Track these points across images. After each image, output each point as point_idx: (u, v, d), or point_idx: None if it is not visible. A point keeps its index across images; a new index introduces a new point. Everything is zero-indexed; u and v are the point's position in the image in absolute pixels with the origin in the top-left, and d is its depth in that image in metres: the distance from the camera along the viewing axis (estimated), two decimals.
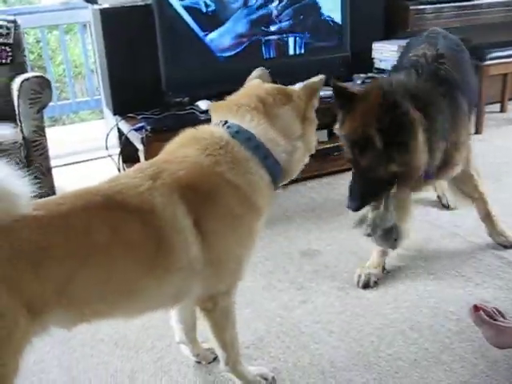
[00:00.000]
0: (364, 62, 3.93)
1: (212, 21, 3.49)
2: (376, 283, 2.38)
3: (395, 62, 2.63)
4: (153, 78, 3.39)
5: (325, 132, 3.66)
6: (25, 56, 3.61)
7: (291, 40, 3.71)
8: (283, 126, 1.64)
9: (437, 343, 2.02)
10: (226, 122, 1.63)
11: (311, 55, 3.75)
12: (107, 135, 3.56)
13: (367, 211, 2.22)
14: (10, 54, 3.51)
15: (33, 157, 3.12)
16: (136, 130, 3.14)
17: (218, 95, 3.35)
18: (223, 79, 3.50)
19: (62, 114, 5.64)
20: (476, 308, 1.91)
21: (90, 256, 1.39)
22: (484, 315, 1.87)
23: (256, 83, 1.76)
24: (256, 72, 1.84)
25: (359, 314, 2.20)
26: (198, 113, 3.28)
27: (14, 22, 3.53)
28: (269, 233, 2.91)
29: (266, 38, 3.63)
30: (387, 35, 4.04)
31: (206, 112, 3.24)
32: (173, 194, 1.47)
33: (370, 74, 3.83)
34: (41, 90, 3.10)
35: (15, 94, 3.15)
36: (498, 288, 2.31)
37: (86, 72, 5.12)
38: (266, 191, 1.65)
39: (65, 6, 4.50)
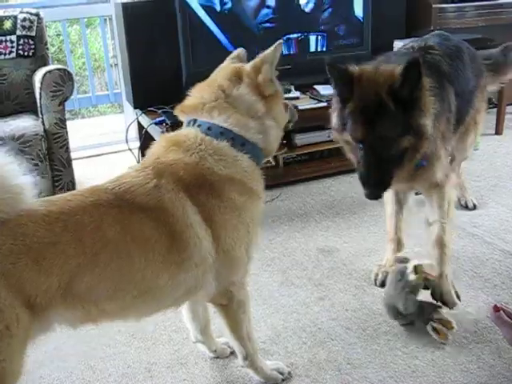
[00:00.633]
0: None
1: (232, 18, 3.49)
2: None
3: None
4: (173, 72, 3.39)
5: None
6: (47, 49, 3.64)
7: (312, 37, 3.70)
8: (245, 107, 1.63)
9: (454, 343, 2.01)
10: (195, 120, 1.64)
11: (331, 53, 3.73)
12: (127, 129, 3.58)
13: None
14: (32, 46, 3.55)
15: (54, 149, 3.14)
16: (156, 123, 3.15)
17: None
18: None
19: (82, 107, 5.68)
20: (496, 308, 1.89)
21: (99, 253, 1.38)
22: (504, 315, 1.85)
23: (223, 65, 1.77)
24: (235, 52, 1.83)
25: (376, 312, 2.20)
26: None
27: (37, 15, 3.56)
28: (286, 229, 2.92)
29: (287, 34, 3.62)
30: (409, 33, 4.01)
31: None
32: (179, 192, 1.50)
33: None
34: (63, 82, 3.12)
35: (37, 86, 3.18)
36: None
37: (105, 66, 5.15)
38: (256, 175, 1.66)
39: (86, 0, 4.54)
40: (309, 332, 2.11)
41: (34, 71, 3.45)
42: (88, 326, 1.53)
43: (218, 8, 3.42)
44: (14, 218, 1.32)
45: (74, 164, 3.30)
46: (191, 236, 1.49)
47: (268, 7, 3.54)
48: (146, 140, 3.36)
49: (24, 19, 3.53)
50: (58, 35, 5.87)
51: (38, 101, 3.18)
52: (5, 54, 3.50)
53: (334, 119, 2.01)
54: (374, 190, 1.97)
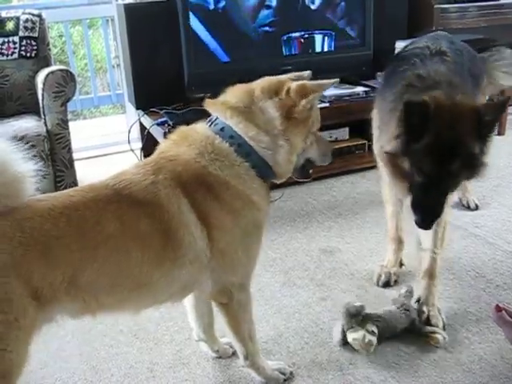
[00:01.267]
0: (387, 61, 3.91)
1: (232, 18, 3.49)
2: (396, 282, 2.38)
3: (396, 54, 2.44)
4: (175, 73, 3.40)
5: (346, 130, 3.66)
6: (49, 50, 3.65)
7: (313, 38, 3.70)
8: (263, 120, 1.61)
9: (456, 344, 2.01)
10: (216, 118, 1.65)
11: (333, 54, 3.74)
12: (129, 129, 3.59)
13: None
14: (34, 47, 3.56)
15: (56, 149, 3.15)
16: (158, 124, 3.16)
17: None
18: (246, 75, 3.53)
19: (84, 108, 5.69)
20: (498, 308, 1.89)
21: (98, 248, 1.41)
22: (506, 315, 1.85)
23: (277, 77, 1.72)
24: (302, 73, 1.75)
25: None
26: None
27: (40, 16, 3.57)
28: (289, 230, 2.92)
29: (290, 35, 3.63)
30: (411, 34, 4.01)
31: None
32: (176, 189, 1.51)
33: None
34: (65, 83, 3.13)
35: (40, 87, 3.19)
36: None
37: (107, 67, 5.16)
38: (258, 187, 1.64)
39: (89, 0, 4.54)
40: (311, 332, 2.11)
41: (36, 72, 3.45)
42: (87, 317, 1.54)
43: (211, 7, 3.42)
44: (22, 211, 1.35)
45: (76, 165, 3.31)
46: (186, 234, 1.51)
47: (268, 7, 3.54)
48: (148, 141, 3.37)
49: (26, 20, 3.54)
50: (61, 36, 5.89)
51: (40, 101, 3.19)
52: (7, 55, 3.51)
53: (393, 143, 1.86)
54: (430, 221, 1.91)
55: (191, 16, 3.33)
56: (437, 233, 2.15)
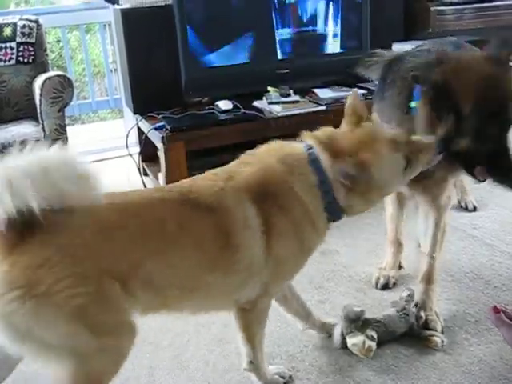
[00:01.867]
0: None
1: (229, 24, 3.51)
2: (395, 284, 2.38)
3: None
4: (173, 78, 3.41)
5: None
6: (46, 55, 3.66)
7: (310, 41, 3.71)
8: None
9: (455, 345, 2.01)
10: (312, 147, 1.66)
11: (329, 56, 3.75)
12: (127, 134, 3.59)
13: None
14: (32, 53, 3.57)
15: None
16: (156, 129, 3.16)
17: (237, 96, 3.43)
18: (243, 79, 3.53)
19: (82, 112, 5.70)
20: (496, 309, 1.89)
21: (160, 244, 1.47)
22: (504, 317, 1.86)
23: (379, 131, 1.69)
24: (350, 99, 1.74)
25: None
26: (217, 112, 3.29)
27: (37, 21, 3.59)
28: None
29: (285, 38, 3.63)
30: (407, 36, 4.03)
31: (225, 112, 3.26)
32: (244, 195, 1.55)
33: None
34: (62, 89, 3.14)
35: (37, 92, 3.20)
36: None
37: (105, 71, 5.17)
38: (323, 218, 1.67)
39: (86, 6, 4.56)
40: (310, 335, 2.11)
41: (33, 78, 3.47)
42: (153, 313, 1.59)
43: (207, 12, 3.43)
44: (94, 206, 1.42)
45: None
46: (246, 239, 1.54)
47: (264, 11, 3.55)
48: (146, 145, 3.38)
49: (24, 26, 3.55)
50: (58, 41, 5.90)
51: (38, 107, 3.20)
52: (5, 61, 3.53)
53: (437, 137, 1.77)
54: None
55: (188, 21, 3.34)
56: (435, 236, 2.15)
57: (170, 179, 3.00)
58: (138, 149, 3.62)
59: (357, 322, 1.99)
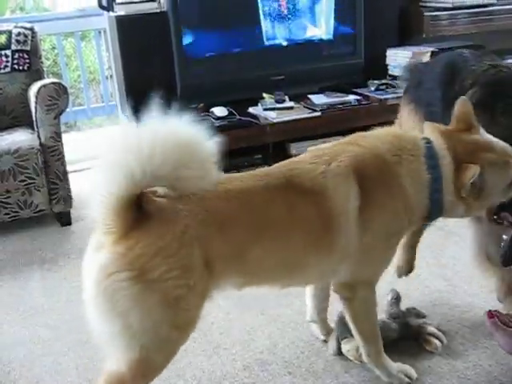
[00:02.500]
0: (378, 69, 3.94)
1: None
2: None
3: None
4: (168, 84, 3.41)
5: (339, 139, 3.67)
6: (41, 63, 3.66)
7: (304, 47, 3.72)
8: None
9: (451, 350, 2.01)
10: (429, 141, 1.66)
11: (324, 62, 3.76)
12: None
13: None
14: (27, 60, 3.57)
15: (50, 162, 3.15)
16: None
17: (233, 102, 3.44)
18: (238, 86, 3.54)
19: (77, 119, 5.69)
20: (490, 315, 1.90)
21: (265, 230, 1.52)
22: (499, 322, 1.86)
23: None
24: (459, 105, 1.72)
25: None
26: (212, 119, 3.30)
27: (31, 29, 3.59)
28: None
29: (280, 44, 3.65)
30: (401, 42, 4.05)
31: (220, 118, 3.27)
32: (349, 175, 1.57)
33: (383, 81, 3.84)
34: (58, 96, 3.13)
35: (32, 100, 3.19)
36: None
37: (100, 78, 5.17)
38: (421, 213, 1.68)
39: (81, 13, 4.56)
40: (306, 341, 2.12)
41: (29, 85, 3.46)
42: (247, 289, 1.67)
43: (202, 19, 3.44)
44: (205, 192, 1.46)
45: (71, 177, 3.31)
46: (343, 221, 1.57)
47: (258, 18, 3.57)
48: None
49: (18, 34, 3.55)
50: (53, 48, 5.90)
51: (33, 115, 3.20)
52: (0, 69, 3.52)
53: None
54: None
55: (182, 27, 3.35)
56: None
57: None
58: None
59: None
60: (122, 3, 3.65)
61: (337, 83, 3.80)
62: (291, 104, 3.48)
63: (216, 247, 1.46)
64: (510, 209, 1.81)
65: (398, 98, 3.00)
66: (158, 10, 3.50)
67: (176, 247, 1.40)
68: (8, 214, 3.08)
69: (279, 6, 3.59)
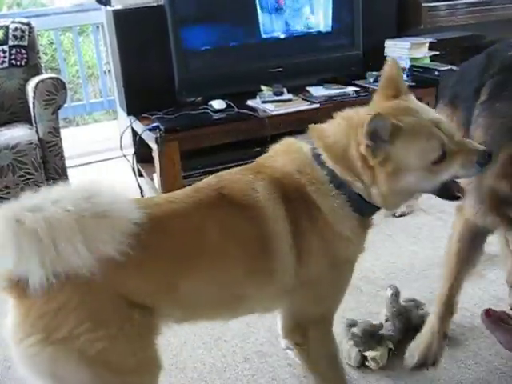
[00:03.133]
0: (376, 60, 3.89)
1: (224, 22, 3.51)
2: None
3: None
4: (166, 78, 3.41)
5: None
6: (39, 58, 3.65)
7: (302, 39, 3.71)
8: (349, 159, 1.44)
9: (451, 340, 2.01)
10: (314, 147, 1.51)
11: (322, 54, 3.75)
12: (121, 135, 3.59)
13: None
14: (24, 56, 3.56)
15: (48, 157, 3.15)
16: (150, 129, 3.16)
17: (231, 95, 3.43)
18: (236, 78, 3.53)
19: (76, 114, 5.69)
20: (487, 313, 1.90)
21: (193, 259, 1.36)
22: (497, 320, 1.86)
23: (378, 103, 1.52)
24: (386, 68, 1.57)
25: (372, 311, 2.20)
26: (211, 112, 3.29)
27: (29, 24, 3.58)
28: None
29: (278, 36, 3.64)
30: (400, 33, 4.03)
31: (219, 111, 3.26)
32: (274, 193, 1.42)
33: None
34: (56, 91, 3.13)
35: (30, 95, 3.19)
36: None
37: (98, 73, 5.16)
38: (350, 221, 1.46)
39: (78, 7, 4.55)
40: None
41: (26, 80, 3.45)
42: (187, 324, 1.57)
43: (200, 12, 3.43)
44: None
45: (69, 172, 3.31)
46: (279, 244, 1.41)
47: (256, 10, 3.56)
48: (140, 146, 3.37)
49: (15, 29, 3.54)
50: (51, 43, 5.89)
51: (31, 110, 3.19)
52: None
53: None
54: None
55: (180, 21, 3.34)
56: None
57: (164, 180, 3.01)
58: (132, 150, 3.61)
59: (375, 336, 1.97)
60: None
61: (335, 75, 3.78)
62: (290, 96, 3.46)
63: (136, 286, 1.31)
64: None
65: None
66: (155, 4, 3.48)
67: (79, 298, 1.24)
68: None
69: None
